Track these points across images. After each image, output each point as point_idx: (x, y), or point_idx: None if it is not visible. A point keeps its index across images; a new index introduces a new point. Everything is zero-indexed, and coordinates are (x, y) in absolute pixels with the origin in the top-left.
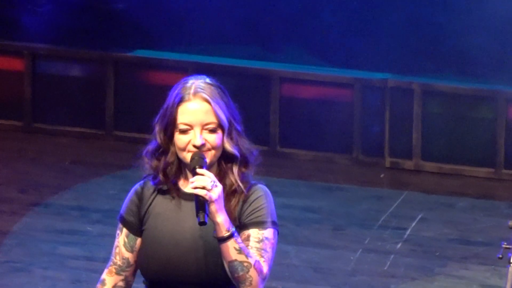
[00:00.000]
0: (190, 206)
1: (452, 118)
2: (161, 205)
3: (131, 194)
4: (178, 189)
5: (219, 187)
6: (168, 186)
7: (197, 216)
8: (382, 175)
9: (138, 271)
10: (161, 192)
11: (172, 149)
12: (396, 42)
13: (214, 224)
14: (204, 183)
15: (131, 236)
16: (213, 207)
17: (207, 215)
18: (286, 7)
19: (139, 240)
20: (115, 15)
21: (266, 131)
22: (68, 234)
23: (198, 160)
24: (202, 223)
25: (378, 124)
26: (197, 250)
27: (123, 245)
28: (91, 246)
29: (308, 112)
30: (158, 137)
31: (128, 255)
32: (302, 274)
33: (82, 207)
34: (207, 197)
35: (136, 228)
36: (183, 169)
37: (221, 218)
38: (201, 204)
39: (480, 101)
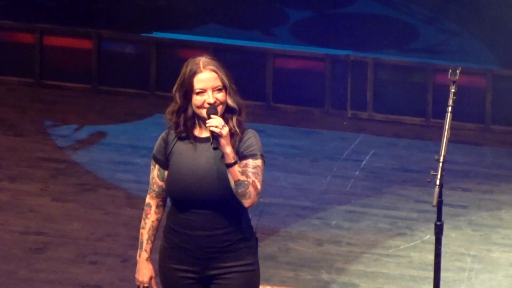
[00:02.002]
0: (204, 146)
1: (395, 82)
2: (181, 147)
3: (159, 139)
4: (195, 136)
5: (227, 127)
6: (187, 133)
7: (211, 144)
8: (345, 123)
9: None
10: (180, 138)
11: (189, 108)
12: (356, 29)
13: (224, 153)
14: (217, 123)
15: (161, 169)
16: (222, 141)
17: (218, 146)
18: (284, 7)
19: (166, 172)
20: (159, 10)
21: (263, 91)
22: (123, 164)
23: (213, 109)
24: (215, 148)
25: (343, 86)
26: (210, 176)
27: (157, 176)
28: (139, 173)
29: (293, 78)
30: (179, 100)
31: (161, 183)
32: (289, 192)
33: (133, 145)
34: (219, 132)
35: (164, 163)
36: (198, 121)
37: (229, 149)
38: (214, 137)
39: (415, 70)
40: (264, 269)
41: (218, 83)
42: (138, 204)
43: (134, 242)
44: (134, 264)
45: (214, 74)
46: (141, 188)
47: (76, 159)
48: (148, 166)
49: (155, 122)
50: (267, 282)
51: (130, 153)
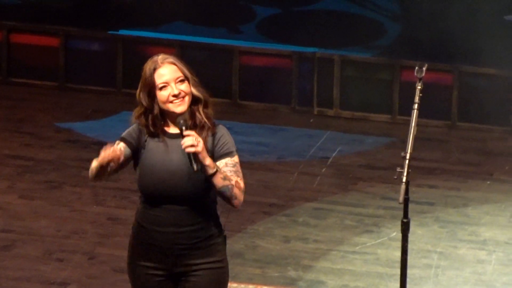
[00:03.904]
0: (174, 142)
1: (361, 79)
2: (153, 144)
3: (134, 126)
4: (165, 132)
5: (201, 140)
6: (157, 132)
7: (192, 167)
8: (311, 120)
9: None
10: (151, 135)
11: (155, 106)
12: (322, 26)
13: (204, 166)
14: (191, 142)
15: (127, 148)
16: (200, 156)
17: (199, 166)
18: (250, 4)
19: (130, 155)
20: (125, 8)
21: (229, 88)
22: (90, 161)
23: (183, 122)
24: (196, 171)
25: (309, 84)
26: (181, 173)
27: (120, 147)
28: None
29: (259, 75)
30: (144, 102)
31: (119, 152)
32: (256, 190)
33: (100, 142)
34: (195, 150)
35: (132, 146)
36: (166, 118)
37: (208, 161)
38: (192, 157)
39: (381, 67)
40: (231, 266)
41: (179, 74)
42: (104, 202)
43: (101, 240)
44: (101, 261)
45: (174, 66)
46: (108, 186)
47: (43, 156)
48: None
49: (122, 119)
50: (234, 279)
51: (97, 150)
